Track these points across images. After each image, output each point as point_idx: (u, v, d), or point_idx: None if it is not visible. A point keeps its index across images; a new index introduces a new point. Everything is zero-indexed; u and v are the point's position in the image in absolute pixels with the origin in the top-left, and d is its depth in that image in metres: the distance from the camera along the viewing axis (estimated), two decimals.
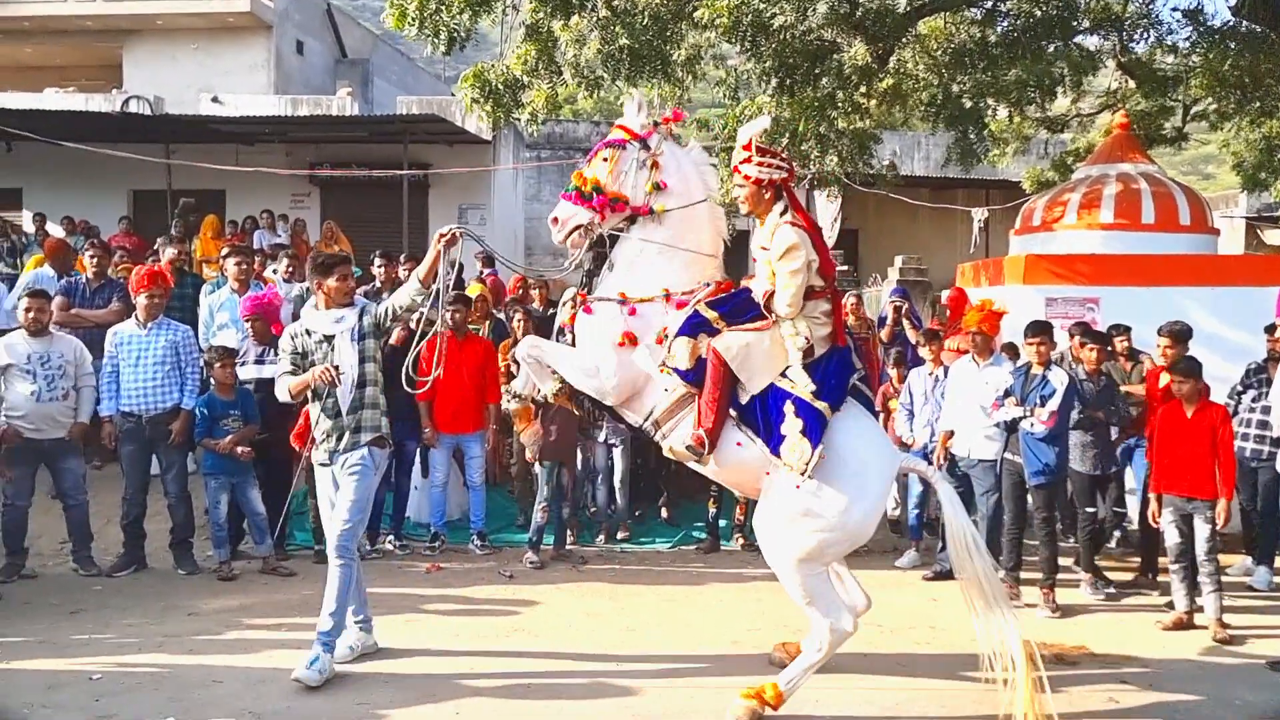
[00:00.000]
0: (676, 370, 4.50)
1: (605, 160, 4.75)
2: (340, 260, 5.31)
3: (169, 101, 16.86)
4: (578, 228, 4.75)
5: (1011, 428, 6.64)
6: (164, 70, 18.66)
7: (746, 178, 4.57)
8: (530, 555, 7.36)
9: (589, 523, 8.28)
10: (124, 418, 6.79)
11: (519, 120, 8.72)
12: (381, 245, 10.31)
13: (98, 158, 13.79)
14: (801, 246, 4.41)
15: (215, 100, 16.80)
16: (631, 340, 4.64)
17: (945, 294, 11.84)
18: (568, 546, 7.71)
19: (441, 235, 4.86)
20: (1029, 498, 6.68)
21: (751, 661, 5.31)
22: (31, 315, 6.72)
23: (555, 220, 4.81)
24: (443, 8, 7.45)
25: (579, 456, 7.99)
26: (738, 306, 4.62)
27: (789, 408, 4.39)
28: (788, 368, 4.47)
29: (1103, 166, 9.73)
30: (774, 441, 4.42)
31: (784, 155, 4.74)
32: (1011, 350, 7.57)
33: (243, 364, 7.16)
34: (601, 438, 8.02)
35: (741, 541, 8.01)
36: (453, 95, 21.97)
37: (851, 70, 8.07)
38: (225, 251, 8.59)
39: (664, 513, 8.61)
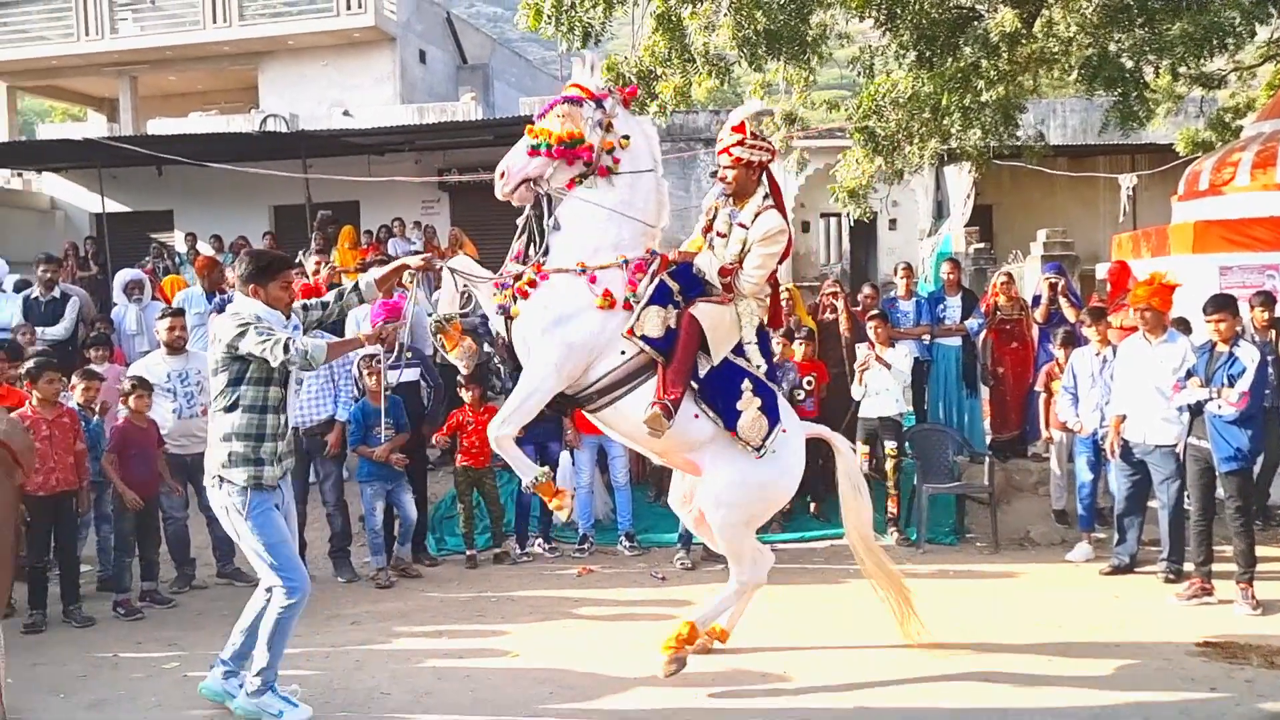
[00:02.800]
0: (647, 338, 4.48)
1: (561, 117, 4.61)
2: (285, 262, 4.81)
3: (303, 118, 17.43)
4: (525, 180, 4.63)
5: (1196, 411, 6.13)
6: (297, 88, 19.29)
7: (737, 159, 4.65)
8: (680, 555, 7.22)
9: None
10: None
11: (651, 112, 8.59)
12: (509, 248, 10.32)
13: (240, 176, 14.34)
14: (786, 233, 4.64)
15: (346, 114, 17.27)
16: (610, 302, 4.53)
17: (1100, 268, 11.20)
18: None
19: (422, 268, 4.88)
20: (1219, 485, 6.16)
21: (922, 659, 5.03)
22: (175, 334, 6.94)
23: (503, 174, 4.65)
24: (576, 3, 7.39)
25: None
26: (690, 280, 4.70)
27: (746, 385, 4.64)
28: (742, 345, 4.69)
29: (1275, 122, 8.98)
30: (729, 416, 4.61)
31: (769, 139, 4.87)
32: (1181, 325, 7.03)
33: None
34: None
35: (897, 536, 7.71)
36: None
37: (998, 37, 7.63)
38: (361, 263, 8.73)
39: (812, 507, 8.36)
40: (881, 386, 7.80)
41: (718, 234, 4.76)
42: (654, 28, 8.01)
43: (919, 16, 8.19)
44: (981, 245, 17.04)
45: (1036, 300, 8.94)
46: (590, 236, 4.62)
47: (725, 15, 7.59)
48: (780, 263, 4.80)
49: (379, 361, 6.89)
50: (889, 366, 7.75)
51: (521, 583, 6.90)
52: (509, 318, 4.69)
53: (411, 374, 7.26)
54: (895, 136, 8.80)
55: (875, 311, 8.18)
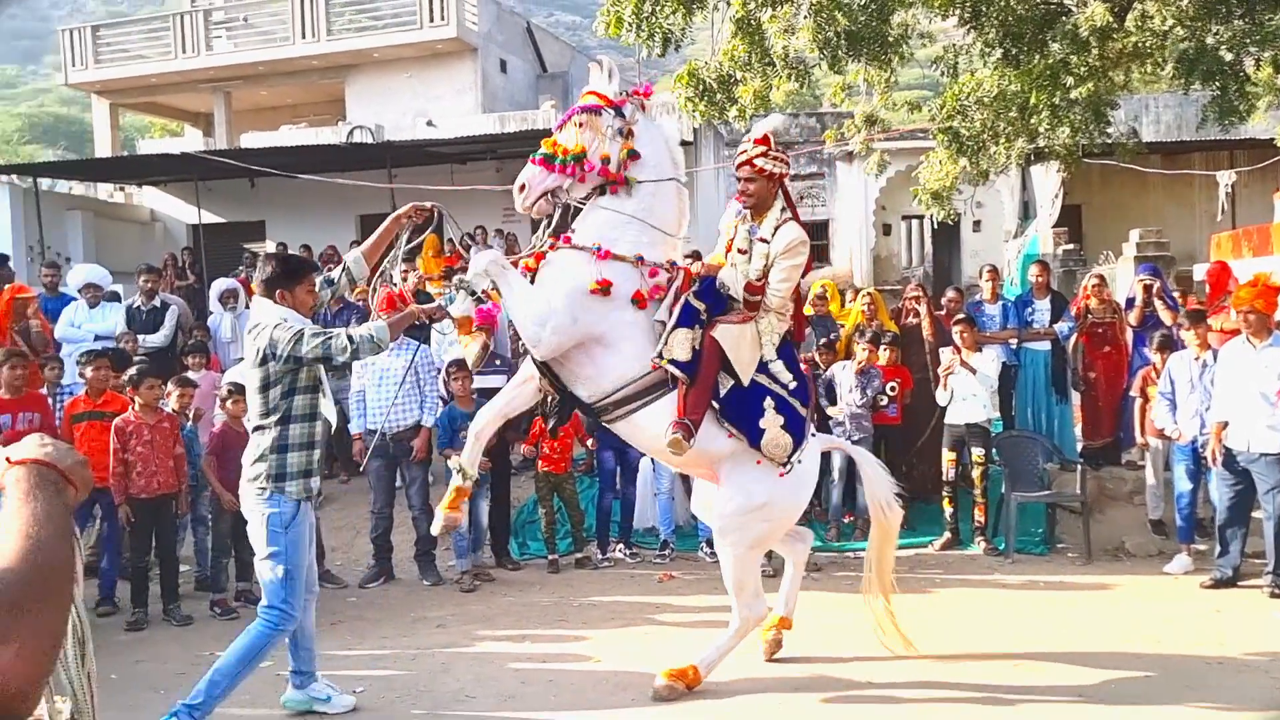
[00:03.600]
0: (675, 362, 4.44)
1: (579, 126, 4.54)
2: (310, 265, 4.77)
3: (388, 129, 17.83)
4: (545, 193, 4.55)
5: None
6: (382, 100, 19.74)
7: (760, 170, 4.61)
8: (765, 565, 7.16)
9: (816, 525, 7.99)
10: (370, 435, 7.10)
11: (729, 118, 8.56)
12: None
13: (328, 186, 14.72)
14: (807, 244, 4.61)
15: (430, 124, 17.60)
16: (605, 289, 4.43)
17: (1197, 269, 10.82)
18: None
19: (417, 208, 4.67)
20: None
21: (1010, 671, 4.90)
22: None
23: (522, 187, 4.56)
24: (656, 9, 7.41)
25: None
26: (715, 298, 4.65)
27: (768, 403, 4.58)
28: (767, 362, 4.63)
29: None
30: (752, 434, 4.57)
31: (785, 152, 4.81)
32: None
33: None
34: (842, 435, 7.75)
35: (984, 545, 7.54)
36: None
37: (1088, 32, 7.41)
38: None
39: None
40: (968, 392, 7.64)
41: (738, 251, 4.72)
42: (733, 32, 7.97)
43: (1005, 13, 7.99)
44: (1070, 246, 16.57)
45: (1130, 303, 8.67)
46: (610, 235, 4.58)
47: (805, 18, 7.52)
48: (803, 276, 4.76)
49: (467, 367, 6.97)
50: (974, 372, 7.59)
51: (603, 588, 6.93)
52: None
53: (498, 379, 7.36)
54: (980, 136, 8.60)
55: (961, 316, 8.02)
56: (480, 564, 7.25)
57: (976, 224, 19.08)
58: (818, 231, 18.53)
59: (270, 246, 16.49)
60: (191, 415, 7.06)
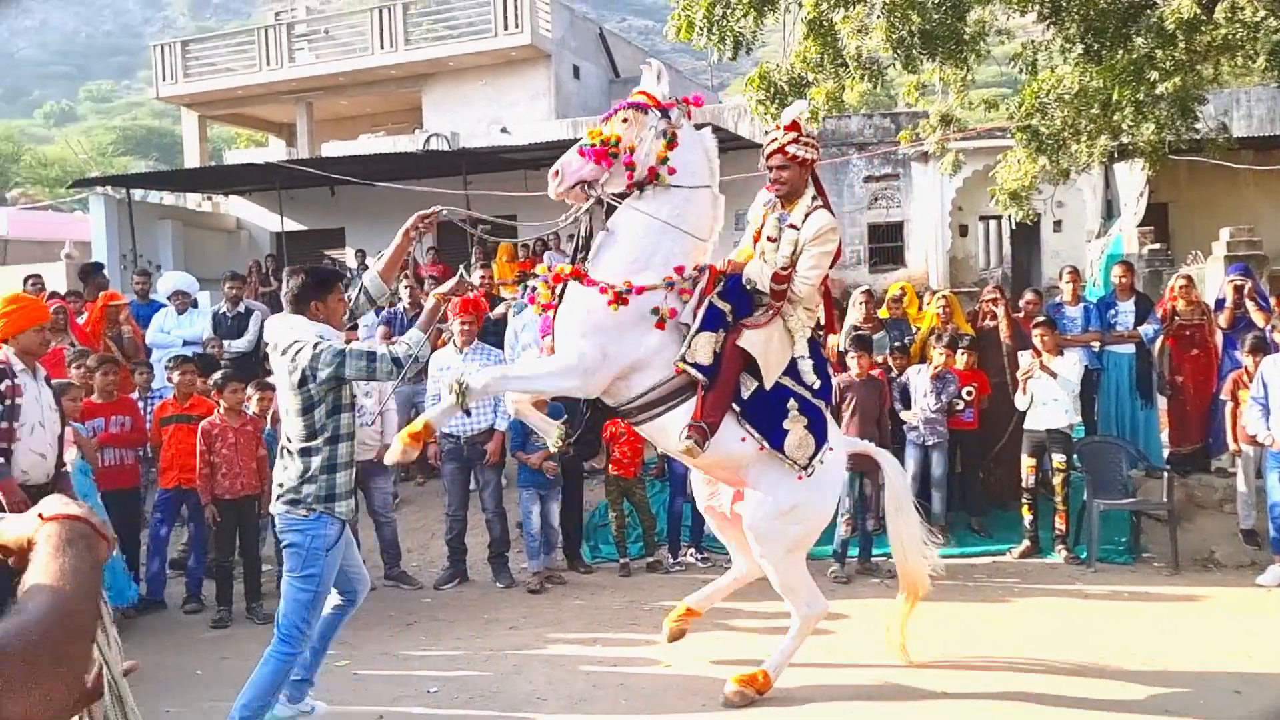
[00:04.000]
0: (697, 366, 4.41)
1: (625, 121, 4.50)
2: (337, 275, 4.70)
3: (463, 136, 18.09)
4: (580, 183, 4.51)
5: None
6: (458, 108, 20.06)
7: (792, 158, 4.57)
8: (835, 569, 7.10)
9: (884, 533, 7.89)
10: (444, 438, 7.21)
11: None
12: None
13: (405, 194, 14.99)
14: (837, 231, 4.58)
15: (504, 131, 17.83)
16: (636, 317, 4.41)
17: None
18: (872, 559, 7.38)
19: (423, 218, 4.56)
20: None
21: (1091, 683, 4.76)
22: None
23: (557, 173, 4.53)
24: (727, 13, 7.40)
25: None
26: (740, 296, 4.60)
27: (792, 404, 4.56)
28: (795, 358, 4.60)
29: None
30: (775, 436, 4.54)
31: (816, 138, 4.80)
32: None
33: None
34: (918, 440, 7.65)
35: (1065, 554, 7.35)
36: (720, 103, 22.11)
37: (1174, 25, 7.18)
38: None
39: (972, 521, 8.08)
40: (1049, 397, 7.46)
41: (768, 239, 4.67)
42: (805, 33, 7.93)
43: (1087, 7, 7.80)
44: (1157, 246, 16.04)
45: (1220, 304, 8.38)
46: (639, 248, 4.54)
47: (878, 17, 7.44)
48: (832, 265, 4.68)
49: None
50: (1055, 376, 7.41)
51: (674, 592, 6.89)
52: (543, 307, 4.66)
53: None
54: (1061, 134, 8.40)
55: (1041, 318, 7.83)
56: (552, 567, 7.31)
57: (1057, 224, 18.64)
58: (892, 233, 18.28)
59: (349, 253, 16.88)
60: (270, 418, 7.25)
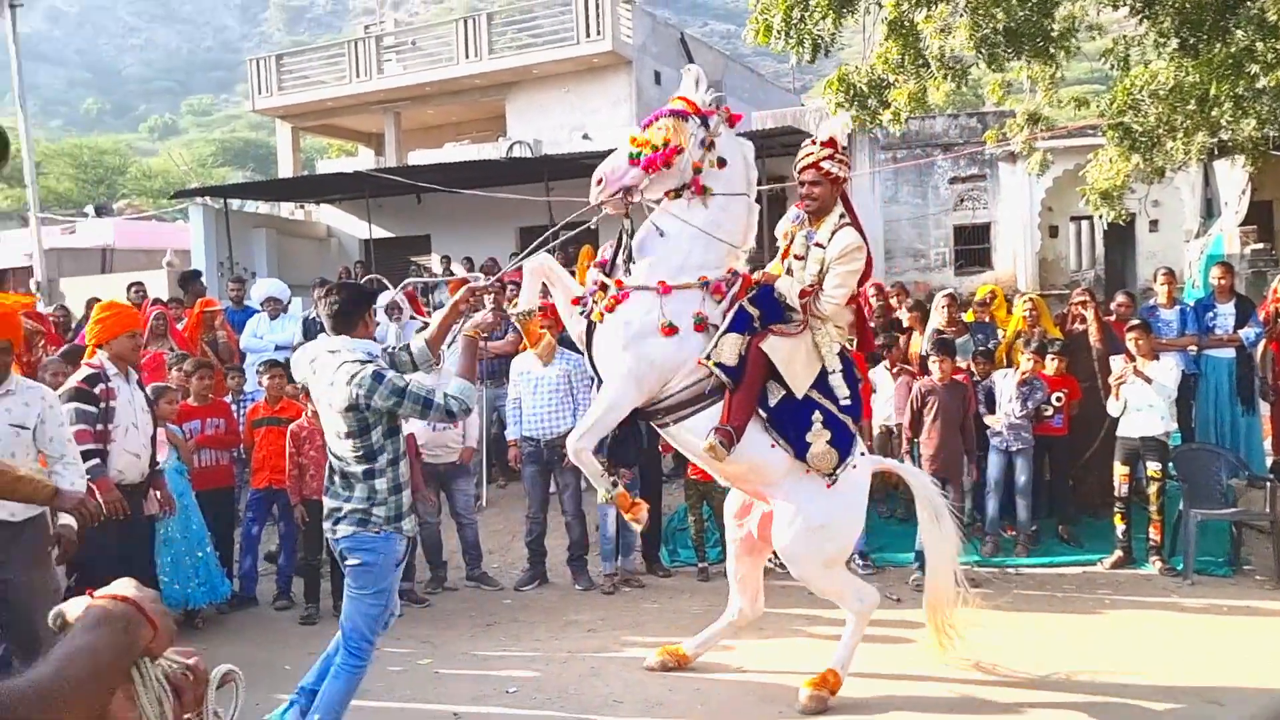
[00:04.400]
0: (722, 366, 4.44)
1: (663, 130, 4.53)
2: (371, 292, 4.75)
3: (546, 143, 18.32)
4: (621, 190, 4.55)
5: None
6: (540, 115, 20.30)
7: (826, 174, 4.57)
8: (916, 576, 6.96)
9: (973, 539, 7.72)
10: (525, 441, 7.30)
11: (883, 122, 8.39)
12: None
13: (489, 201, 15.26)
14: (864, 250, 4.53)
15: (586, 137, 17.99)
16: (672, 331, 4.50)
17: None
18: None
19: (473, 291, 4.63)
20: None
21: (1188, 696, 4.59)
22: None
23: (600, 180, 4.58)
24: (806, 16, 7.36)
25: (964, 466, 7.49)
26: (771, 305, 4.62)
27: (816, 417, 4.56)
28: (827, 373, 4.59)
29: None
30: (799, 446, 4.56)
31: (848, 155, 4.87)
32: None
33: None
34: (1001, 445, 7.48)
35: (1160, 565, 7.09)
36: (802, 105, 21.94)
37: (1277, 16, 6.90)
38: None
39: (1060, 530, 7.85)
40: (1144, 403, 7.21)
41: (795, 257, 4.67)
42: (886, 34, 7.84)
43: (1182, 1, 7.55)
44: (1260, 246, 15.40)
45: None
46: (676, 254, 4.60)
47: (961, 16, 7.31)
48: (861, 283, 4.67)
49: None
50: (1150, 381, 7.16)
51: None
52: (589, 321, 4.74)
53: None
54: (1155, 132, 8.14)
55: (1136, 322, 7.58)
56: (631, 570, 7.34)
57: (1153, 224, 18.03)
58: (979, 235, 17.91)
59: (435, 259, 17.22)
60: None
